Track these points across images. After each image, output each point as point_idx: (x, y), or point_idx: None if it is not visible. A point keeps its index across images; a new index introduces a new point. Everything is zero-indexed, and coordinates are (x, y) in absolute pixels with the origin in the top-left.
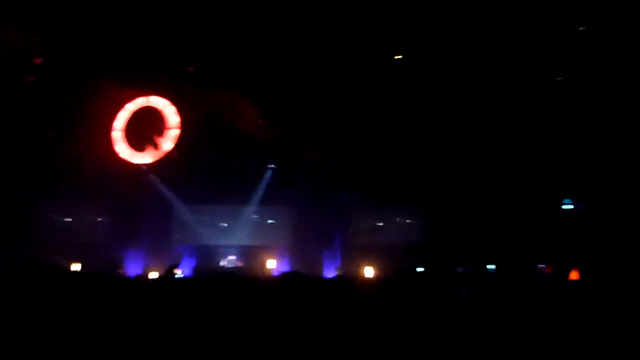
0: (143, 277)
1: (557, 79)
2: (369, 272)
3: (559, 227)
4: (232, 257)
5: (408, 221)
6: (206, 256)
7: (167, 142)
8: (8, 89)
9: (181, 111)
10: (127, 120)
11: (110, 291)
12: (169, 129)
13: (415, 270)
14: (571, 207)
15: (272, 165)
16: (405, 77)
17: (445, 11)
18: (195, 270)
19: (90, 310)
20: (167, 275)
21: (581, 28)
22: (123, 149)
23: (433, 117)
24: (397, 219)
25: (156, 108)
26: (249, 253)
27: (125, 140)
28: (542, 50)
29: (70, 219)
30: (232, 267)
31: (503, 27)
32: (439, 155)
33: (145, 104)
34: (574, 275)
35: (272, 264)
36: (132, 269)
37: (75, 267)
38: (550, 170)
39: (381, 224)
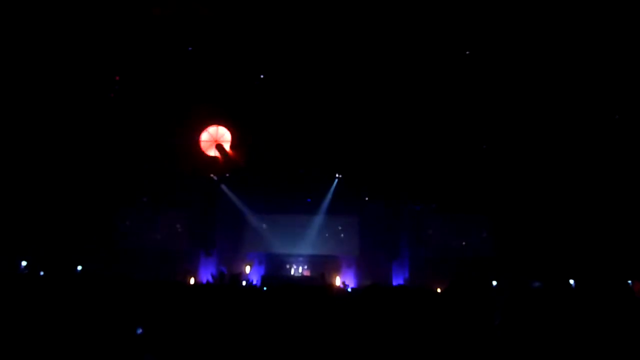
0: (214, 283)
1: None
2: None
3: None
4: (299, 266)
5: (480, 232)
6: (275, 264)
7: (237, 157)
8: (92, 104)
9: (248, 125)
10: (202, 133)
11: (182, 297)
12: (238, 145)
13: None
14: None
15: (339, 175)
16: (480, 82)
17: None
18: (264, 278)
19: (160, 316)
20: (232, 282)
21: None
22: (199, 160)
23: (510, 123)
24: (469, 230)
25: (226, 125)
26: (316, 262)
27: (200, 151)
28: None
29: (148, 228)
30: (300, 276)
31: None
32: (515, 162)
33: (217, 120)
34: None
35: (339, 274)
36: (205, 275)
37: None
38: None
39: (452, 235)
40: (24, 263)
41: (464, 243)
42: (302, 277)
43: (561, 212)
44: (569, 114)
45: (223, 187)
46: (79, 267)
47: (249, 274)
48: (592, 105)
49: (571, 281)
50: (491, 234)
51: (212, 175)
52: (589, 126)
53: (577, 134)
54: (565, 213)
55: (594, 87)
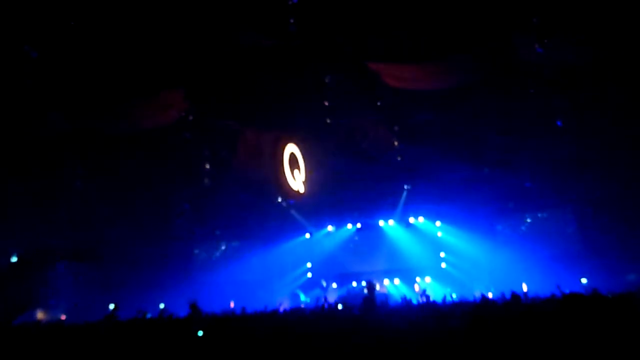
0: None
1: None
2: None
3: None
4: (375, 283)
5: (563, 228)
6: (349, 283)
7: (308, 184)
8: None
9: (316, 146)
10: (283, 159)
11: (264, 326)
12: (309, 172)
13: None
14: None
15: (407, 186)
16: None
17: None
18: (339, 298)
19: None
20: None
21: None
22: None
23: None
24: (550, 227)
25: (297, 151)
26: (391, 276)
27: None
28: None
29: (222, 259)
30: (378, 294)
31: None
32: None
33: (290, 145)
34: None
35: (418, 286)
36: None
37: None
38: None
39: (533, 233)
40: (111, 306)
41: (546, 241)
42: (383, 294)
43: None
44: None
45: (292, 212)
46: (162, 305)
47: (325, 294)
48: None
49: None
50: (576, 228)
51: (282, 201)
52: None
53: None
54: None
55: None
